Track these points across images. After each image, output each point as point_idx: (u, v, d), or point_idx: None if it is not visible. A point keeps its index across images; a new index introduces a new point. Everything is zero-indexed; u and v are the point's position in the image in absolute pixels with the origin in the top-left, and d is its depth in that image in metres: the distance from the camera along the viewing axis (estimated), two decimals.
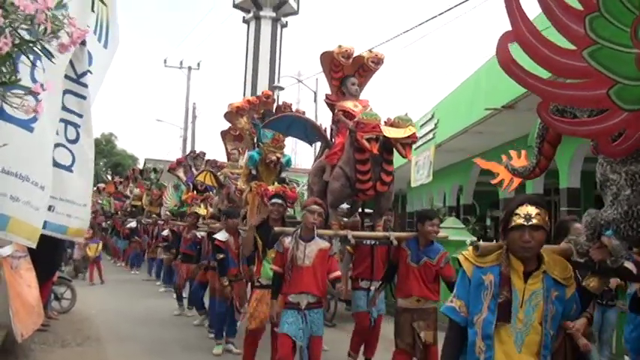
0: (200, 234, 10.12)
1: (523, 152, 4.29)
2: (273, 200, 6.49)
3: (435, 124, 15.88)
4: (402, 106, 30.53)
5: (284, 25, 43.41)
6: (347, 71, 6.80)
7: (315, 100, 26.59)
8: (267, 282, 6.21)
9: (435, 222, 5.72)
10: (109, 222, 22.35)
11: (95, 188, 30.14)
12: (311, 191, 6.90)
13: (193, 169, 13.63)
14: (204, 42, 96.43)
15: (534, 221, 2.85)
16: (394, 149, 5.88)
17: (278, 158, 7.97)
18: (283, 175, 8.32)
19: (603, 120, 2.68)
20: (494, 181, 4.66)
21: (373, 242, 6.36)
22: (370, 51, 6.79)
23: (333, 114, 6.86)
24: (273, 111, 8.54)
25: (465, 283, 3.02)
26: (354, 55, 6.71)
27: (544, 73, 2.70)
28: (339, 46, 6.57)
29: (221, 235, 7.74)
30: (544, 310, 2.88)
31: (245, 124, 8.76)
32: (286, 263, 5.41)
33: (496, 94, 13.06)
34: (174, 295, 11.30)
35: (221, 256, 7.66)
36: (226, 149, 10.64)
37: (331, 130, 6.91)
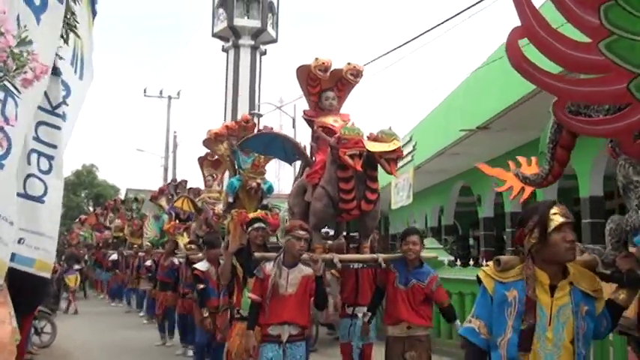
0: (178, 260, 10.04)
1: (533, 159, 4.06)
2: (256, 225, 6.17)
3: (414, 147, 16.04)
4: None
5: (263, 53, 43.49)
6: (325, 85, 6.45)
7: (293, 126, 26.74)
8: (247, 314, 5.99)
9: (413, 239, 5.40)
10: (90, 254, 22.18)
11: (77, 220, 30.09)
12: (292, 213, 6.54)
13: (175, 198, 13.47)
14: (184, 71, 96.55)
15: (572, 219, 2.66)
16: (378, 165, 5.58)
17: (258, 184, 7.75)
18: (265, 202, 8.12)
19: (625, 117, 2.49)
20: (500, 189, 4.41)
21: (361, 265, 5.98)
22: (349, 63, 6.40)
23: (313, 130, 6.51)
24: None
25: (486, 302, 2.78)
26: (332, 68, 6.38)
27: (556, 70, 2.55)
28: (316, 59, 6.26)
29: (201, 265, 7.45)
30: (575, 327, 2.64)
31: (225, 151, 8.57)
32: (266, 291, 4.96)
33: (471, 115, 13.25)
34: (157, 326, 11.12)
35: (201, 286, 7.32)
36: (203, 175, 10.60)
37: (311, 147, 6.60)
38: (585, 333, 2.68)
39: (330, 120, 6.31)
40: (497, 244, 19.82)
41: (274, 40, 43.94)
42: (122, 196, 27.96)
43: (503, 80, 12.51)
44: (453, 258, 11.48)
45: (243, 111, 38.42)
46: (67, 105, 4.74)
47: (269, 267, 5.06)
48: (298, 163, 7.30)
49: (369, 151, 5.40)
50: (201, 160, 10.52)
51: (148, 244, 14.60)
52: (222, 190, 10.09)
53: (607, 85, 2.41)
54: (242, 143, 7.13)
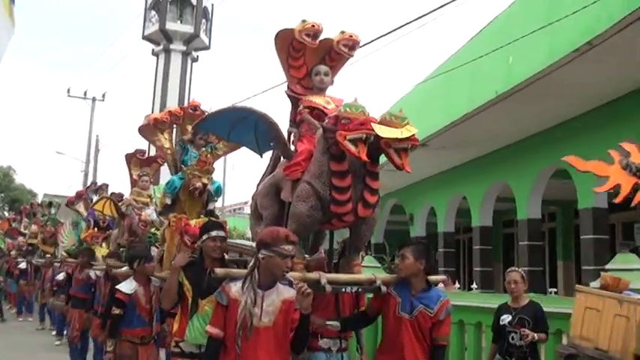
0: (95, 273, 8.80)
1: None
2: (213, 233, 4.85)
3: None
4: None
5: (194, 60, 42.63)
6: (310, 58, 5.14)
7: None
8: (192, 349, 4.68)
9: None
10: (2, 262, 20.72)
11: None
12: (256, 219, 5.21)
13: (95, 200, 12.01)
14: (110, 73, 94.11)
15: None
16: (379, 159, 4.34)
17: (204, 185, 6.37)
18: (211, 206, 6.75)
19: None
20: (602, 189, 3.80)
21: (356, 289, 4.58)
22: (342, 32, 5.10)
23: (295, 113, 5.12)
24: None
25: None
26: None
27: None
28: (303, 21, 4.91)
29: (126, 286, 5.99)
30: None
31: (165, 142, 7.04)
32: (233, 325, 3.59)
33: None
34: (68, 349, 9.60)
35: (117, 311, 5.89)
36: (131, 175, 9.25)
37: (289, 134, 5.21)
38: None
39: (320, 101, 5.03)
40: None
41: (207, 47, 43.20)
42: (39, 201, 26.40)
43: (444, 97, 12.30)
44: None
45: None
46: None
47: (235, 289, 3.67)
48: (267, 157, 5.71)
49: (377, 137, 4.13)
50: (129, 157, 9.20)
51: (64, 253, 13.54)
52: (152, 194, 8.92)
53: None
54: (199, 124, 5.58)
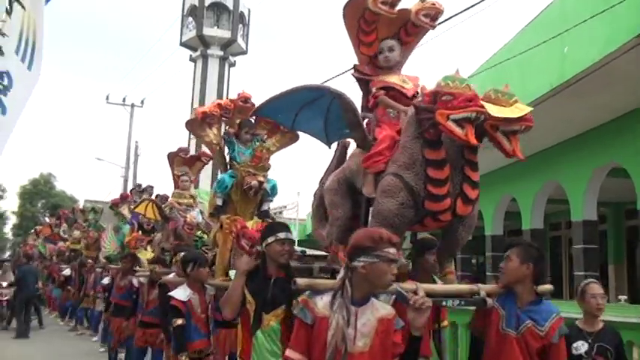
0: (139, 280, 8.31)
1: None
2: (281, 235, 4.12)
3: None
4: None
5: (232, 65, 42.81)
6: (383, 31, 4.34)
7: None
8: None
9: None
10: (43, 267, 20.81)
11: (33, 231, 28.64)
12: (319, 220, 4.61)
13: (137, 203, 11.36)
14: (149, 79, 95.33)
15: None
16: (478, 145, 3.56)
17: (260, 183, 5.86)
18: (265, 207, 6.20)
19: None
20: None
21: (458, 302, 3.73)
22: (422, 0, 4.26)
23: (368, 97, 4.35)
24: (252, 121, 6.29)
25: None
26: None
27: None
28: None
29: (180, 293, 5.45)
30: None
31: (214, 137, 6.37)
32: (321, 347, 2.89)
33: None
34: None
35: (179, 322, 5.33)
36: (174, 175, 8.66)
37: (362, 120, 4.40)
38: None
39: (395, 79, 4.26)
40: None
41: (244, 52, 43.42)
42: (81, 207, 26.56)
43: None
44: None
45: None
46: (6, 96, 4.28)
47: (322, 304, 2.99)
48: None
49: (489, 116, 3.41)
50: (172, 157, 8.60)
51: (103, 259, 13.39)
52: (195, 195, 8.65)
53: None
54: (259, 109, 4.58)
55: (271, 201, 6.29)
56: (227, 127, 6.32)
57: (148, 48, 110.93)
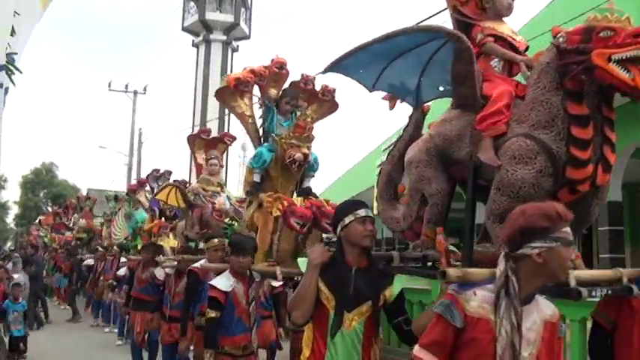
0: (164, 272, 7.31)
1: None
2: (361, 212, 3.29)
3: None
4: None
5: (235, 50, 42.15)
6: None
7: None
8: None
9: None
10: (49, 257, 20.26)
11: (37, 221, 28.10)
12: (386, 199, 4.11)
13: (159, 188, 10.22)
14: (151, 66, 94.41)
15: None
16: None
17: (306, 156, 5.20)
18: (307, 183, 5.59)
19: None
20: None
21: (606, 291, 3.02)
22: None
23: (466, 47, 3.20)
24: (288, 88, 5.70)
25: None
26: None
27: None
28: None
29: (223, 282, 4.72)
30: None
31: (246, 108, 5.70)
32: (474, 358, 2.25)
33: None
34: (130, 351, 8.30)
35: (212, 314, 4.63)
36: (195, 159, 7.86)
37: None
38: None
39: (505, 29, 3.58)
40: None
41: (247, 37, 42.73)
42: (85, 194, 25.97)
43: None
44: None
45: (213, 108, 36.93)
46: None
47: (476, 302, 2.28)
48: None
49: None
50: (192, 139, 7.88)
51: (116, 248, 12.81)
52: (221, 181, 7.81)
53: None
54: (335, 64, 3.46)
55: (313, 176, 5.61)
56: (262, 98, 5.67)
57: (150, 34, 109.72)
